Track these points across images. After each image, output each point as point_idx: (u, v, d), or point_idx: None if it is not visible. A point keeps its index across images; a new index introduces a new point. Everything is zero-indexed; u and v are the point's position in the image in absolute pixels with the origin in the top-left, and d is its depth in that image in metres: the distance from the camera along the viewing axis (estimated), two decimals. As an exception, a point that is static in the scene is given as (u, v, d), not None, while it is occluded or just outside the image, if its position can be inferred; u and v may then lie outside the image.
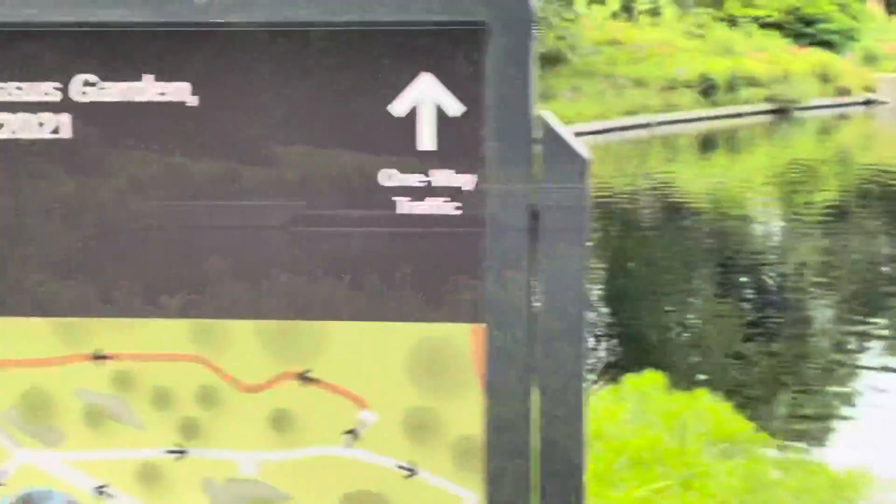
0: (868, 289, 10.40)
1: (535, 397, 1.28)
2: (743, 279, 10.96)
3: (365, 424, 1.33)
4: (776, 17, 36.85)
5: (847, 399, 7.22)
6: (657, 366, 6.56)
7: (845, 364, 7.97)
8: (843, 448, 5.70)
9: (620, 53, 31.04)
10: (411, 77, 1.28)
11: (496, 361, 1.28)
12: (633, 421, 4.17)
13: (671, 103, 27.50)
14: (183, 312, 1.32)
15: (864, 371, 7.77)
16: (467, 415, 1.31)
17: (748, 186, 17.59)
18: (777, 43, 34.84)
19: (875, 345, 8.51)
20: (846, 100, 32.74)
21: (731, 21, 36.62)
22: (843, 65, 33.96)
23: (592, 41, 32.04)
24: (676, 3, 29.92)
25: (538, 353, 1.27)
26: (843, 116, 30.50)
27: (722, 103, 29.02)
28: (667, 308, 9.83)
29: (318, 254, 1.31)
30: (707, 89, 28.79)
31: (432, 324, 1.30)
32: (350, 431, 1.33)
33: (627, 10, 30.15)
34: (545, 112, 1.27)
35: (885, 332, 8.75)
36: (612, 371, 7.42)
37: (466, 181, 1.28)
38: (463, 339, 1.30)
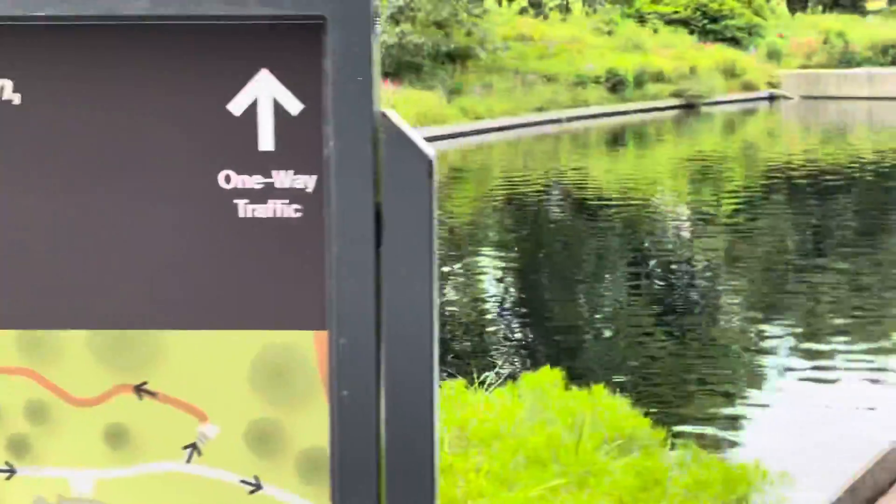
0: (773, 281, 10.53)
1: (383, 406, 1.23)
2: (651, 272, 11.02)
3: (206, 438, 1.26)
4: (683, 13, 37.40)
5: (746, 395, 7.31)
6: (562, 360, 6.59)
7: (748, 362, 8.06)
8: (740, 443, 5.79)
9: (530, 49, 31.23)
10: (250, 74, 1.21)
11: (342, 369, 1.22)
12: (530, 419, 4.15)
13: (581, 99, 27.74)
14: (9, 323, 1.25)
15: (766, 367, 7.89)
16: (313, 426, 1.25)
17: (657, 180, 17.77)
18: (684, 39, 35.39)
19: (777, 340, 8.62)
20: (751, 95, 33.36)
21: (639, 18, 37.09)
22: (747, 61, 34.59)
23: (502, 37, 32.18)
24: (584, 0, 30.14)
25: (386, 360, 1.23)
26: (748, 111, 31.07)
27: (630, 99, 29.36)
28: (575, 303, 9.88)
29: (155, 260, 1.25)
30: (615, 85, 29.10)
31: (275, 331, 1.24)
32: (190, 446, 1.27)
33: (536, 6, 30.24)
34: (389, 111, 1.22)
35: (788, 327, 8.88)
36: (520, 365, 7.44)
37: (308, 182, 1.22)
38: (307, 347, 1.25)
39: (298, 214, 1.23)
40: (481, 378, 5.11)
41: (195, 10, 1.19)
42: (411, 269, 1.22)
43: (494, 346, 8.50)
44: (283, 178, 1.23)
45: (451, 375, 5.48)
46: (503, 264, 11.47)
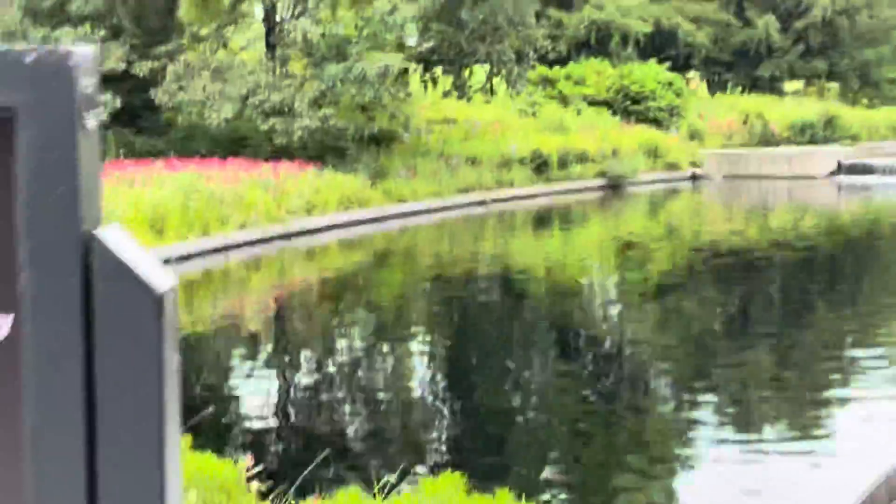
0: (697, 359, 10.38)
1: None
2: (580, 353, 10.82)
3: None
4: (605, 95, 37.85)
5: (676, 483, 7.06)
6: (482, 454, 6.28)
7: (678, 454, 7.85)
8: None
9: (454, 131, 31.28)
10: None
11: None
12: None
13: (505, 180, 27.75)
14: None
15: (694, 452, 7.67)
16: None
17: (585, 259, 17.67)
18: (606, 120, 35.75)
19: (704, 420, 8.43)
20: (674, 175, 33.71)
21: (563, 99, 37.46)
22: (670, 141, 35.02)
23: (427, 120, 32.23)
24: (508, 83, 30.35)
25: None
26: (672, 191, 31.34)
27: (555, 179, 29.46)
28: (499, 387, 9.60)
29: None
30: (540, 165, 29.19)
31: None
32: None
33: (459, 88, 30.37)
34: (107, 230, 0.93)
35: (713, 404, 8.70)
36: (432, 461, 7.10)
37: (2, 323, 0.92)
38: None
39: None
40: (381, 482, 4.78)
41: None
42: (135, 442, 0.92)
43: (408, 439, 8.17)
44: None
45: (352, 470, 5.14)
46: (427, 349, 11.18)
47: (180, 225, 16.75)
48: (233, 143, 24.89)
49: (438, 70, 40.46)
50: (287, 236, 19.42)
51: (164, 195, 16.80)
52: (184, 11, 28.42)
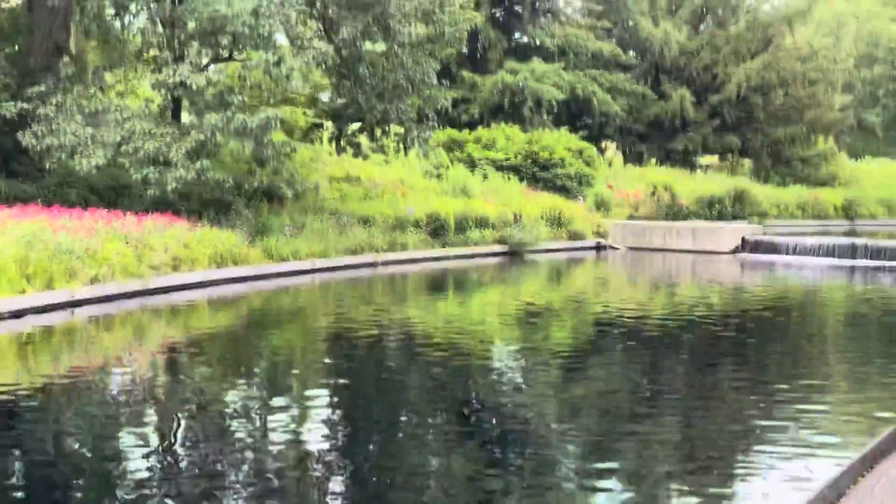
0: (602, 432, 9.63)
1: None
2: (479, 423, 9.93)
3: None
4: (513, 160, 37.29)
5: None
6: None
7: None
8: None
9: (353, 190, 30.37)
10: None
11: None
12: None
13: (398, 242, 26.82)
14: None
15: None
16: None
17: (480, 328, 16.85)
18: (513, 186, 35.13)
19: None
20: (578, 244, 33.11)
21: (471, 163, 36.81)
22: (575, 209, 34.47)
23: (329, 176, 31.29)
24: (406, 143, 29.59)
25: None
26: (575, 260, 30.67)
27: (452, 244, 28.63)
28: (388, 456, 8.66)
29: None
30: (437, 229, 28.35)
31: None
32: None
33: (355, 146, 29.56)
34: None
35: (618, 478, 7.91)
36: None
37: None
38: None
39: None
40: None
41: None
42: None
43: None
44: None
45: None
46: (313, 413, 10.12)
47: (17, 277, 15.47)
48: (111, 192, 23.65)
49: (354, 126, 39.76)
50: (146, 293, 18.18)
51: (1, 244, 15.50)
52: (90, 55, 27.36)
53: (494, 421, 10.04)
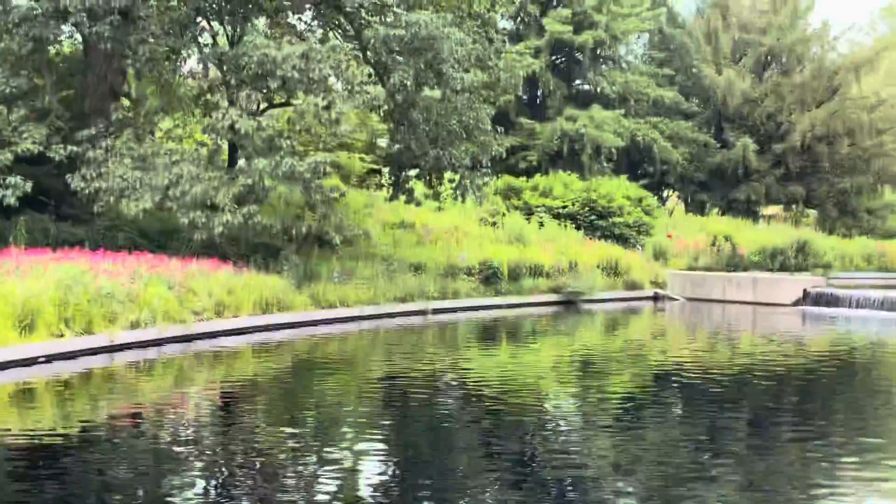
0: (669, 484, 9.12)
1: None
2: (540, 480, 9.52)
3: None
4: (570, 209, 36.80)
5: None
6: None
7: None
8: None
9: (406, 236, 30.07)
10: None
11: None
12: None
13: (450, 290, 26.38)
14: None
15: None
16: None
17: (536, 379, 16.40)
18: (569, 234, 34.62)
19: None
20: (635, 294, 32.43)
21: (527, 210, 36.39)
22: (633, 258, 33.84)
23: (383, 222, 31.05)
24: (472, 190, 29.15)
25: None
26: (631, 310, 29.97)
27: (505, 292, 28.13)
28: None
29: None
30: (489, 277, 27.88)
31: None
32: None
33: (408, 193, 29.22)
34: None
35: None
36: None
37: None
38: None
39: None
40: None
41: None
42: None
43: None
44: None
45: None
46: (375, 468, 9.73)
47: (55, 321, 15.26)
48: (160, 236, 23.57)
49: (412, 173, 39.55)
50: (188, 339, 17.91)
51: (39, 287, 15.32)
52: (150, 99, 27.49)
53: (552, 480, 9.58)
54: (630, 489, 9.31)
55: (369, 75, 24.11)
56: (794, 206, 49.86)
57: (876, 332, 24.66)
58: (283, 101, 24.51)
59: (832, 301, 29.74)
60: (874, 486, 9.51)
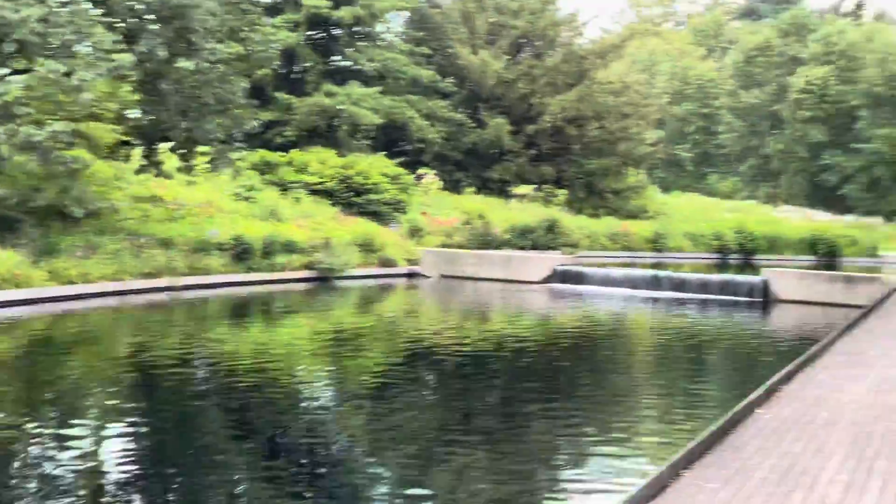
0: (420, 456, 9.32)
1: None
2: (289, 452, 9.36)
3: None
4: (327, 184, 36.67)
5: None
6: None
7: None
8: None
9: (156, 211, 29.14)
10: None
11: None
12: None
13: (200, 266, 25.78)
14: None
15: None
16: None
17: (290, 354, 16.23)
18: (325, 210, 34.50)
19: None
20: (389, 270, 32.67)
21: (283, 186, 35.98)
22: (388, 236, 34.06)
23: (131, 196, 29.95)
24: (225, 164, 28.50)
25: None
26: (386, 287, 30.18)
27: (258, 268, 27.74)
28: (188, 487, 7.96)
29: None
30: (241, 253, 27.41)
31: None
32: None
33: (156, 165, 28.27)
34: None
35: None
36: None
37: None
38: None
39: None
40: None
41: None
42: None
43: None
44: None
45: None
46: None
47: None
48: None
49: (165, 146, 38.26)
50: None
51: None
52: None
53: (305, 455, 9.49)
54: (380, 459, 9.39)
55: (117, 43, 23.12)
56: (544, 187, 51.40)
57: (618, 308, 25.82)
58: (24, 67, 23.18)
59: (578, 279, 30.92)
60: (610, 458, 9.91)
